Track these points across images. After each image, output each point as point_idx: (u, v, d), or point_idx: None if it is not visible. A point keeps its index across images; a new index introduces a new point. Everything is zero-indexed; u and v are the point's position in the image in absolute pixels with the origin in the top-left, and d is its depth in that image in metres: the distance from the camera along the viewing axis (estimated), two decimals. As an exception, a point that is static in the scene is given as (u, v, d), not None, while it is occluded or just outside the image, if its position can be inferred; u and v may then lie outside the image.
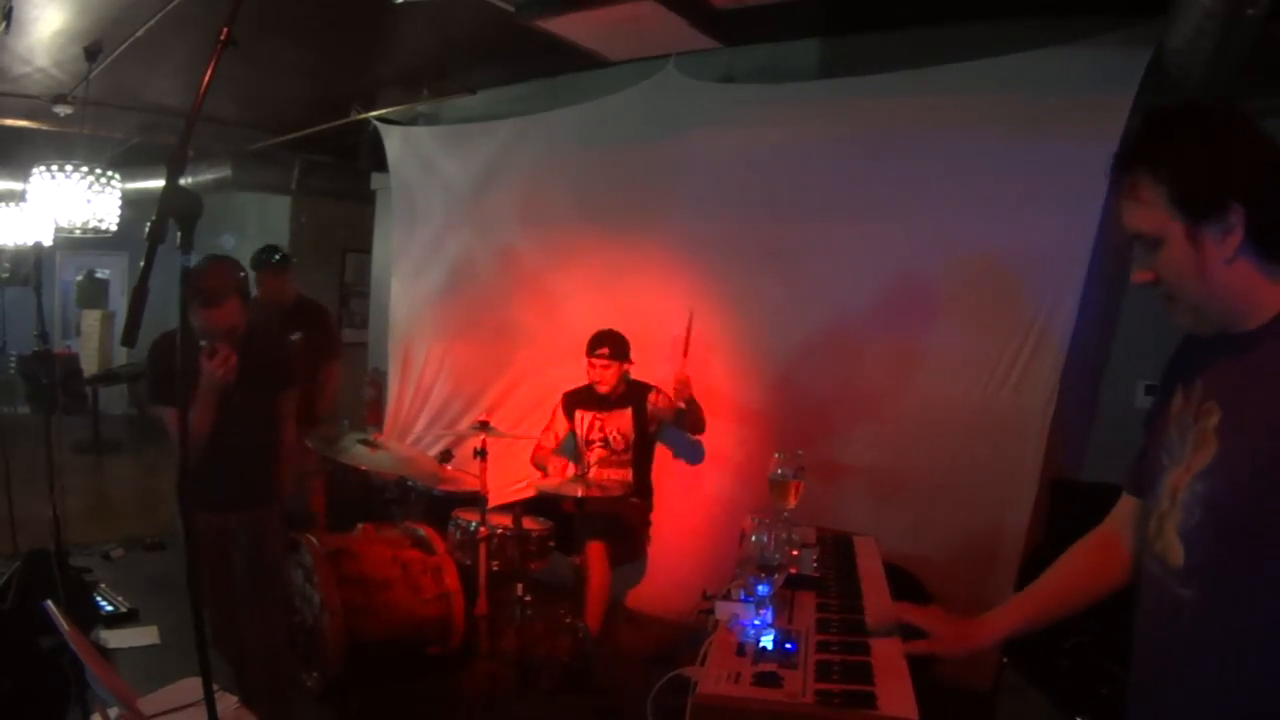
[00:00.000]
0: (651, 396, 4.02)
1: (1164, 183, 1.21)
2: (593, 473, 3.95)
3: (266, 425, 2.95)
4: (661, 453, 4.38)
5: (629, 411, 4.03)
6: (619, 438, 4.05)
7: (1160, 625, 1.29)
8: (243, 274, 2.88)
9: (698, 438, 4.18)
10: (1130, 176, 1.25)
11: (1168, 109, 1.25)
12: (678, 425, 4.08)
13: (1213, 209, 1.18)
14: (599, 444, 4.07)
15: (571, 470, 3.87)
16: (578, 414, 4.14)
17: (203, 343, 2.67)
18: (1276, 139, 1.22)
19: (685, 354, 3.94)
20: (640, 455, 4.08)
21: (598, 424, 4.08)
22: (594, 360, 3.96)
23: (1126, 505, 1.51)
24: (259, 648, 2.88)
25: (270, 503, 3.00)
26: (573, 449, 4.19)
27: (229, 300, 2.69)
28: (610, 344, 3.96)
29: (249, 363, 2.78)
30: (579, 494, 3.47)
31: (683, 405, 3.90)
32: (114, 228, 5.13)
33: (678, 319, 4.20)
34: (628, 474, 4.03)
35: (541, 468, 4.07)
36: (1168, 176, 1.21)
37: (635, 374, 4.10)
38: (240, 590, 2.88)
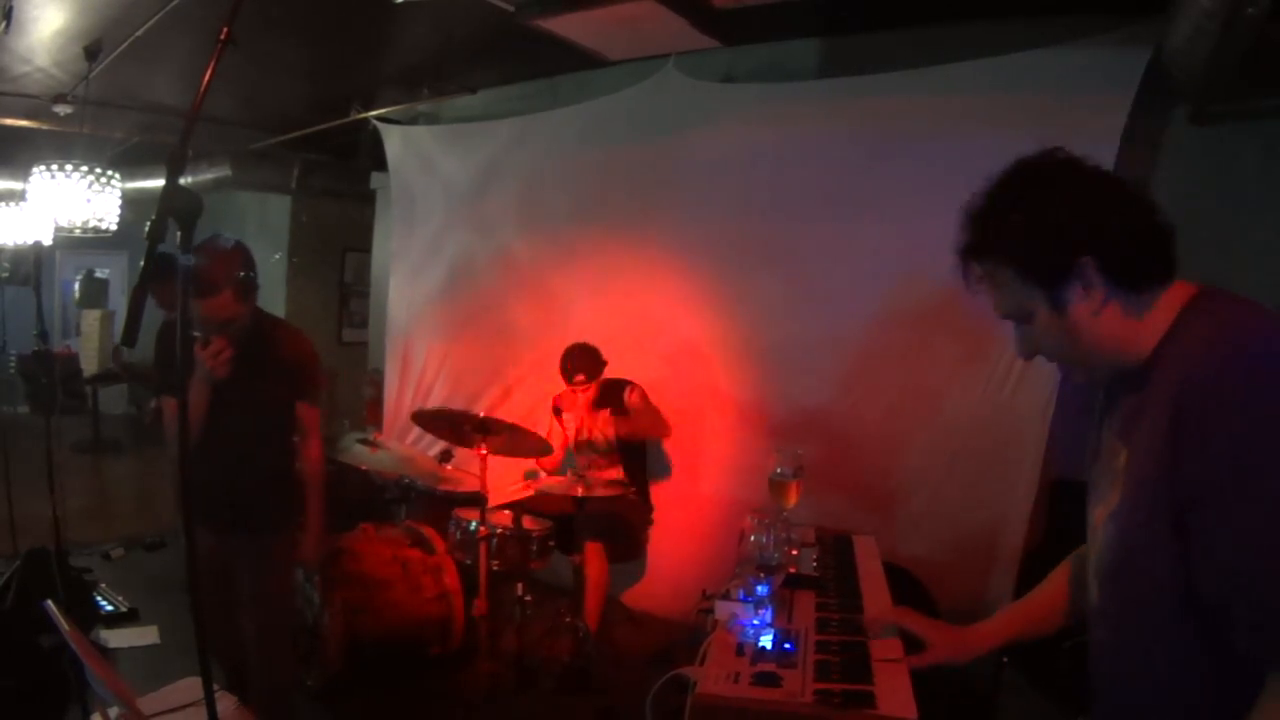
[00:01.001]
0: (627, 392, 4.04)
1: (1008, 265, 1.21)
2: (592, 473, 3.97)
3: (276, 438, 2.78)
4: (661, 453, 4.39)
5: (606, 411, 4.06)
6: (602, 438, 4.08)
7: (1092, 665, 1.30)
8: (246, 264, 2.63)
9: (673, 433, 4.19)
10: (978, 269, 1.26)
11: (986, 188, 1.26)
12: (641, 426, 4.03)
13: (1063, 270, 1.17)
14: (586, 445, 4.11)
15: (569, 472, 3.87)
16: (565, 416, 4.21)
17: (196, 334, 2.50)
18: (1108, 172, 1.22)
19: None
20: (628, 451, 4.10)
21: (584, 426, 4.12)
22: (573, 388, 3.99)
23: None
24: (259, 662, 2.74)
25: (282, 530, 2.80)
26: (568, 452, 4.22)
27: (224, 291, 2.51)
28: (585, 369, 3.95)
29: (254, 365, 2.60)
30: (579, 493, 3.47)
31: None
32: (114, 227, 5.12)
33: (677, 319, 4.21)
34: (618, 471, 4.06)
35: (531, 475, 4.06)
36: (1008, 259, 1.21)
37: (633, 379, 4.12)
38: (244, 617, 2.72)
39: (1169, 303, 1.18)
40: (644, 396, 4.06)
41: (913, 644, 1.58)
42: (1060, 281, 1.17)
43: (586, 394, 4.00)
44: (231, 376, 2.55)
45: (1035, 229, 1.18)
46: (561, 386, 4.16)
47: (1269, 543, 1.00)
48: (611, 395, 4.06)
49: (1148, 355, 1.18)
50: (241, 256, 2.63)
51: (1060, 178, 1.20)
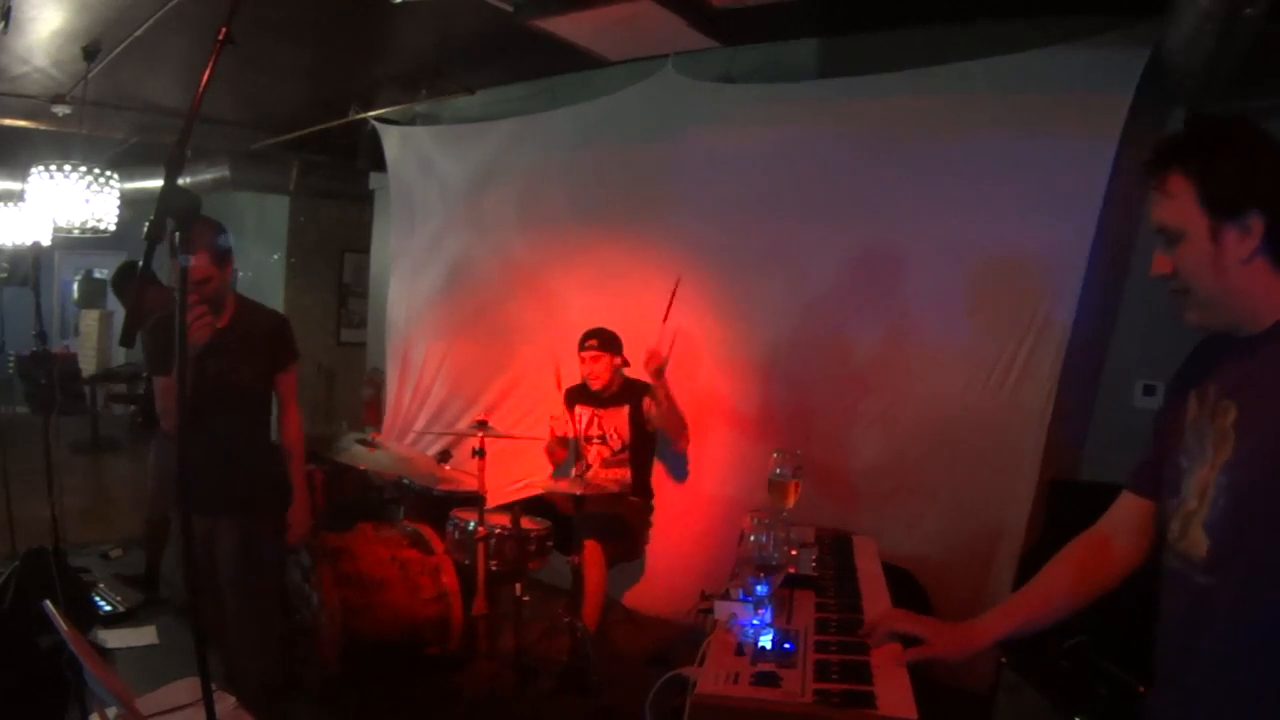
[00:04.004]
0: (646, 401, 3.99)
1: (1194, 181, 1.29)
2: (592, 473, 3.96)
3: (259, 418, 2.85)
4: (661, 453, 4.38)
5: (625, 410, 4.02)
6: (615, 436, 4.04)
7: (1183, 617, 1.35)
8: (220, 232, 2.70)
9: (691, 439, 4.14)
10: (1163, 172, 1.33)
11: (1206, 117, 1.36)
12: (660, 423, 3.99)
13: (1235, 211, 1.27)
14: (597, 440, 4.06)
15: (572, 470, 3.87)
16: (577, 409, 4.14)
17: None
18: None
19: (665, 319, 3.93)
20: (639, 455, 4.06)
21: (596, 420, 4.07)
22: (584, 354, 3.96)
23: (1124, 507, 1.54)
24: (246, 656, 2.78)
25: (268, 509, 2.85)
26: (574, 446, 4.19)
27: (200, 251, 2.58)
28: (599, 337, 3.97)
29: (233, 340, 2.70)
30: (578, 493, 3.47)
31: (652, 381, 3.87)
32: (112, 227, 5.12)
33: (676, 319, 4.18)
34: (626, 474, 4.02)
35: (552, 452, 4.10)
36: (1198, 176, 1.29)
37: (631, 373, 4.08)
38: (228, 601, 2.76)
39: None
40: (669, 395, 3.97)
41: (911, 645, 1.58)
42: (1228, 217, 1.27)
43: (598, 365, 3.93)
44: (214, 358, 2.64)
45: (1236, 167, 1.28)
46: (566, 383, 4.15)
47: None
48: (632, 394, 4.02)
49: (1271, 324, 1.29)
50: (216, 226, 2.72)
51: (1270, 145, 1.30)
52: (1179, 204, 1.31)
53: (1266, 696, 1.24)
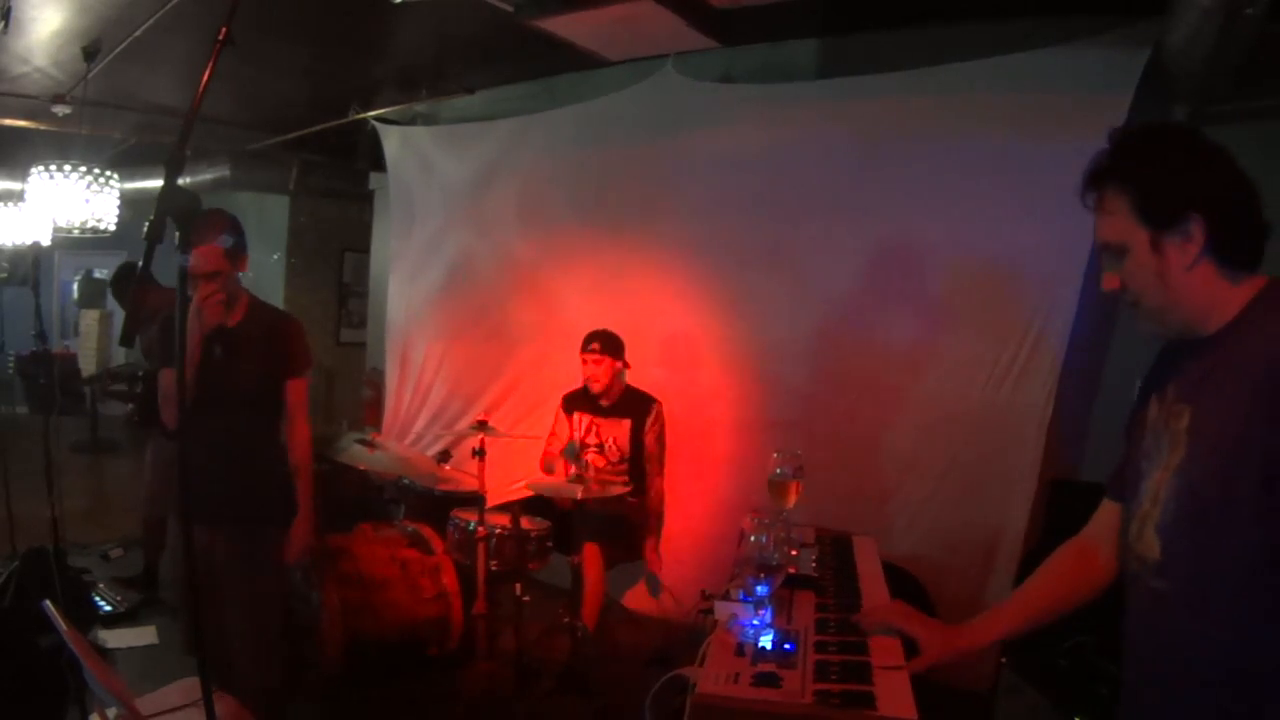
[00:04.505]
0: (649, 421, 3.92)
1: (1129, 195, 1.31)
2: (591, 473, 3.93)
3: (267, 424, 2.78)
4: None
5: (626, 424, 3.93)
6: (613, 448, 3.95)
7: (1141, 621, 1.37)
8: (234, 228, 2.66)
9: (695, 439, 4.15)
10: (1099, 190, 1.35)
11: (1134, 129, 1.38)
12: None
13: (1174, 219, 1.28)
14: (594, 449, 3.96)
15: (571, 471, 3.84)
16: (575, 415, 4.06)
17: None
18: (1233, 155, 1.31)
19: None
20: (638, 470, 3.95)
21: (595, 429, 3.98)
22: (585, 355, 3.87)
23: (1106, 511, 1.56)
24: (245, 661, 2.69)
25: (273, 522, 2.76)
26: (573, 451, 4.16)
27: (211, 242, 2.55)
28: (601, 339, 3.87)
29: (240, 341, 2.65)
30: (578, 495, 3.46)
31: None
32: (112, 227, 5.12)
33: (676, 319, 4.20)
34: (623, 480, 3.93)
35: (551, 470, 3.99)
36: (1133, 189, 1.31)
37: (633, 379, 4.02)
38: (228, 608, 2.66)
39: (1249, 285, 1.30)
40: (661, 438, 3.95)
41: (912, 646, 1.58)
42: (1167, 226, 1.28)
43: (600, 368, 3.86)
44: (219, 358, 2.59)
45: (1165, 173, 1.29)
46: (566, 385, 4.14)
47: None
48: (635, 407, 3.94)
49: (1221, 326, 1.29)
50: (231, 220, 2.68)
51: (1199, 143, 1.31)
52: (1118, 220, 1.32)
53: (1223, 699, 1.25)
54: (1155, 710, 1.36)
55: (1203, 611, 1.26)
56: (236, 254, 2.68)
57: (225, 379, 2.61)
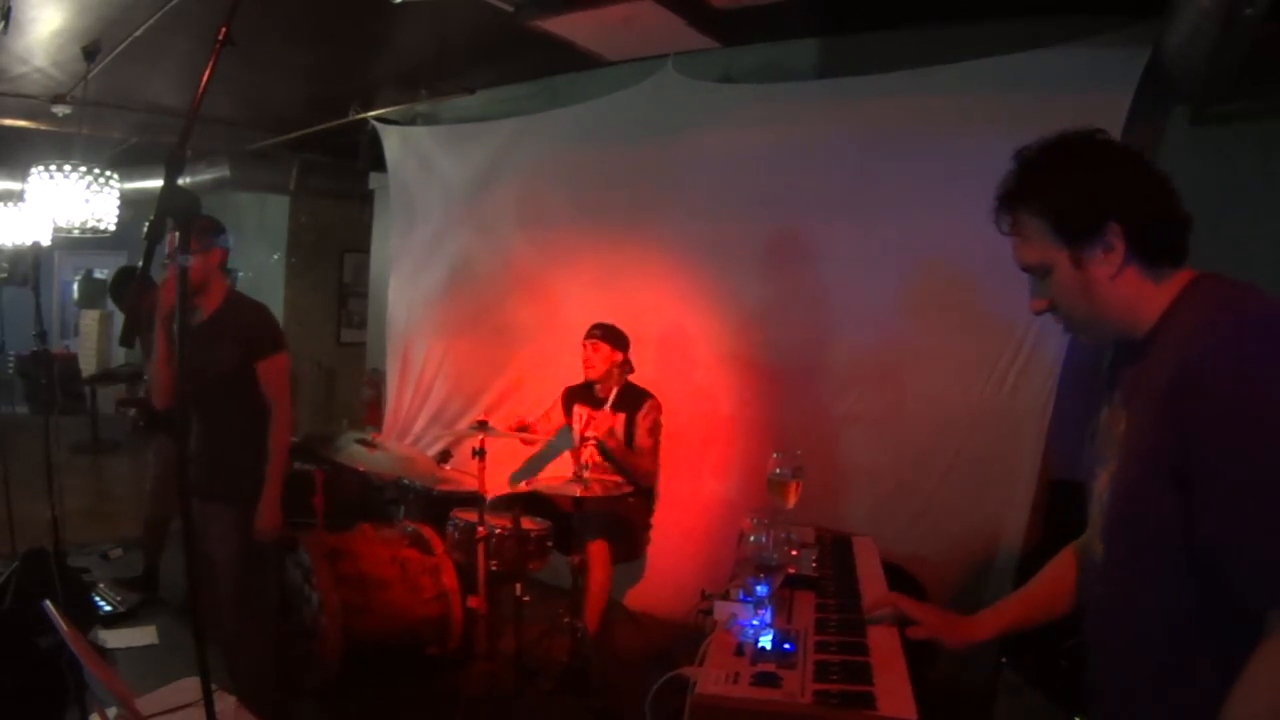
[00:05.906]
0: (641, 414, 3.93)
1: (1041, 216, 1.30)
2: (590, 473, 3.93)
3: (242, 405, 2.86)
4: (661, 453, 4.37)
5: (623, 417, 3.96)
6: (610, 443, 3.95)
7: (1089, 622, 1.39)
8: (218, 227, 2.84)
9: (658, 476, 4.09)
10: (1011, 215, 1.35)
11: (1036, 146, 1.34)
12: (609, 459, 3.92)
13: (1091, 232, 1.25)
14: (593, 443, 3.95)
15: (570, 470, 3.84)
16: (575, 409, 4.08)
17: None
18: (1145, 157, 1.29)
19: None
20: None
21: (592, 423, 4.00)
22: (586, 342, 3.94)
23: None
24: (240, 648, 2.81)
25: (244, 499, 2.84)
26: (570, 447, 4.16)
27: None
28: (603, 329, 3.94)
29: (215, 331, 2.77)
30: (578, 494, 3.47)
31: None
32: (112, 228, 5.11)
33: (676, 319, 4.19)
34: (620, 478, 3.96)
35: (522, 429, 4.02)
36: (1043, 210, 1.29)
37: (632, 378, 4.04)
38: (220, 589, 2.79)
39: (1176, 282, 1.27)
40: (654, 429, 3.94)
41: (912, 649, 1.59)
42: (1086, 241, 1.26)
43: (597, 354, 3.90)
44: (197, 348, 2.73)
45: (1073, 188, 1.27)
46: (566, 383, 4.14)
47: (1264, 495, 1.08)
48: (631, 402, 3.96)
49: (1151, 326, 1.27)
50: (214, 221, 2.86)
51: (1103, 149, 1.30)
52: (1035, 244, 1.31)
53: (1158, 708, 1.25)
54: (1111, 712, 1.37)
55: (1126, 617, 1.28)
56: (202, 241, 2.79)
57: (202, 369, 2.75)
